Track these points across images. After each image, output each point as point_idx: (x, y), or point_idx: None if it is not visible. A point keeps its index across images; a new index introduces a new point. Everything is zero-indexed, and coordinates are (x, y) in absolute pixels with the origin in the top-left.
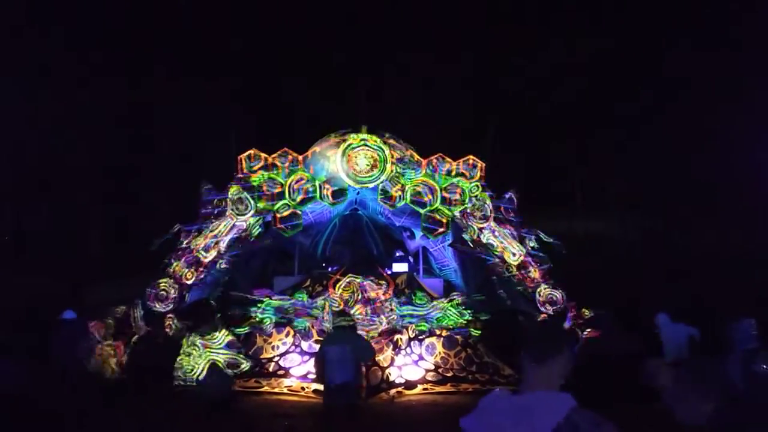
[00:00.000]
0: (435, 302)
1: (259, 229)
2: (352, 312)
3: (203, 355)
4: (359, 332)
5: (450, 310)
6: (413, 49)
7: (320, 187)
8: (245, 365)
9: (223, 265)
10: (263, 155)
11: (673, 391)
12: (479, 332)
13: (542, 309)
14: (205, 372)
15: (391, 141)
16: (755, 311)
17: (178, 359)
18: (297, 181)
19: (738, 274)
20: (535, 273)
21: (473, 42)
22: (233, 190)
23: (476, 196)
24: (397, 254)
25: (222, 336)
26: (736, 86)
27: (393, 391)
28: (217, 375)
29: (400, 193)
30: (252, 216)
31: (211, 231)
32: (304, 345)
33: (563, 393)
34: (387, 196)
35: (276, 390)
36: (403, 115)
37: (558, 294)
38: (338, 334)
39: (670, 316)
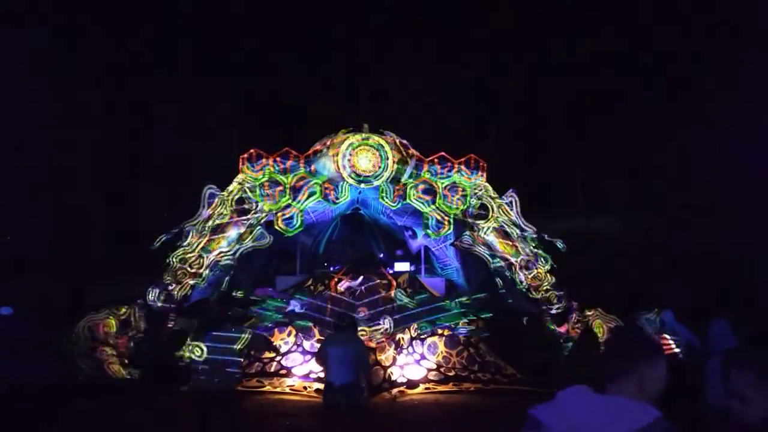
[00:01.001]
0: (437, 301)
1: (261, 229)
2: (353, 312)
3: (209, 352)
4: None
5: (452, 309)
6: (415, 48)
7: (322, 186)
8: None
9: (225, 265)
10: (265, 155)
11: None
12: (481, 332)
13: (544, 308)
14: (209, 369)
15: (393, 140)
16: (755, 311)
17: (179, 355)
18: (298, 181)
19: (738, 273)
20: (537, 272)
21: (474, 41)
22: (235, 190)
23: (478, 195)
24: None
25: (227, 333)
26: (737, 85)
27: (395, 391)
28: (222, 373)
29: (401, 192)
30: (253, 216)
31: (212, 231)
32: (306, 344)
33: (648, 406)
34: (389, 195)
35: (278, 389)
36: (404, 114)
37: (560, 293)
38: (341, 334)
39: (674, 314)
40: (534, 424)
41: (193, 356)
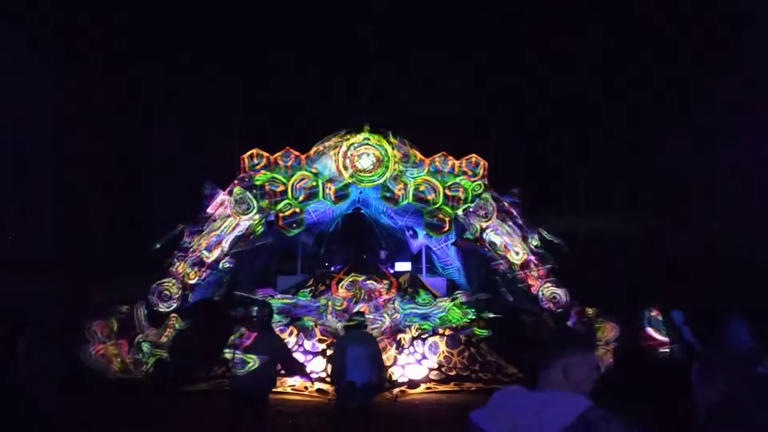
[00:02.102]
0: (438, 301)
1: (262, 229)
2: (354, 311)
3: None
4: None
5: (453, 309)
6: (416, 47)
7: (323, 186)
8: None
9: (226, 265)
10: (266, 154)
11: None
12: (482, 331)
13: (545, 307)
14: (247, 369)
15: (394, 140)
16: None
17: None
18: (300, 181)
19: (738, 273)
20: (538, 272)
21: (475, 40)
22: (236, 190)
23: (479, 195)
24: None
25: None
26: (737, 84)
27: (396, 390)
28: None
29: (402, 192)
30: (255, 215)
31: (214, 230)
32: (308, 344)
33: (579, 394)
34: (389, 195)
35: (279, 389)
36: (405, 113)
37: (561, 293)
38: (357, 333)
39: (683, 315)
40: (474, 430)
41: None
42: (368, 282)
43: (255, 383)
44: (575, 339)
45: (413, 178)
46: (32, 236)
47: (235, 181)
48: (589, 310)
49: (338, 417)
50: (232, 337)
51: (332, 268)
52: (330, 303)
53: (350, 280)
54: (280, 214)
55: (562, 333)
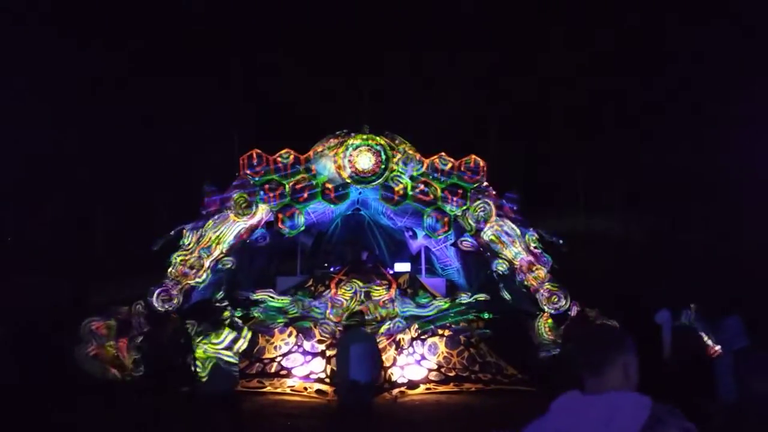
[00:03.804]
0: (437, 302)
1: (261, 230)
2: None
3: (207, 354)
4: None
5: (453, 309)
6: (415, 48)
7: (322, 187)
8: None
9: (225, 266)
10: (265, 155)
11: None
12: (482, 332)
13: (545, 308)
14: (208, 371)
15: (393, 140)
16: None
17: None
18: (299, 182)
19: (738, 273)
20: (538, 272)
21: (474, 41)
22: (235, 191)
23: (478, 196)
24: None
25: (226, 335)
26: (737, 84)
27: (395, 391)
28: (221, 374)
29: (402, 192)
30: (254, 216)
31: (213, 231)
32: (307, 345)
33: (638, 394)
34: (389, 195)
35: (278, 390)
36: (405, 114)
37: (561, 293)
38: (359, 332)
39: (671, 313)
40: None
41: (192, 358)
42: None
43: (218, 384)
44: (627, 338)
45: (412, 178)
46: (31, 236)
47: (234, 182)
48: (590, 311)
49: (339, 416)
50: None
51: (332, 269)
52: (329, 304)
53: (350, 280)
54: (279, 215)
55: (614, 333)
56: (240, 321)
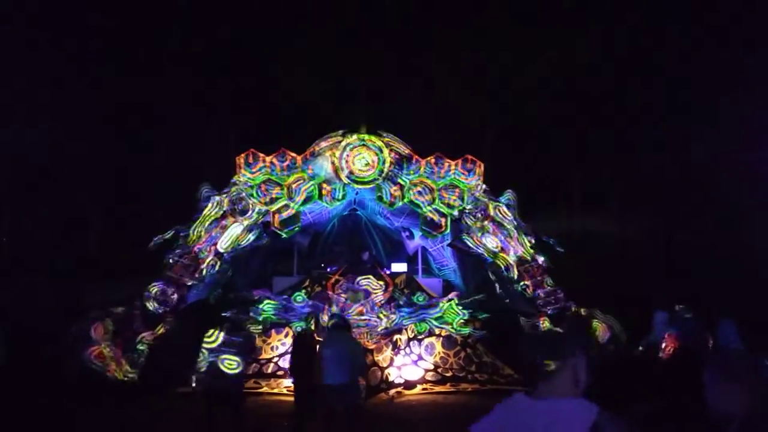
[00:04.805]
0: (434, 302)
1: (258, 230)
2: (351, 312)
3: (205, 354)
4: (354, 334)
5: (449, 310)
6: (413, 48)
7: (319, 187)
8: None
9: (222, 266)
10: (261, 155)
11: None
12: (478, 332)
13: (541, 309)
14: (206, 371)
15: (390, 141)
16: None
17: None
18: (295, 182)
19: (738, 273)
20: (534, 272)
21: (473, 41)
22: (232, 191)
23: (475, 196)
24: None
25: (217, 335)
26: (737, 84)
27: (392, 391)
28: (219, 374)
29: (398, 193)
30: (250, 216)
31: (209, 232)
32: None
33: (585, 400)
34: (385, 196)
35: (275, 390)
36: (401, 114)
37: (557, 293)
38: (334, 335)
39: (668, 315)
40: None
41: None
42: (363, 283)
43: (227, 384)
44: (581, 342)
45: (409, 179)
46: (29, 237)
47: (231, 183)
48: (583, 311)
49: (321, 420)
50: (206, 339)
51: (328, 269)
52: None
53: (345, 281)
54: (276, 216)
55: (570, 337)
56: (239, 321)
